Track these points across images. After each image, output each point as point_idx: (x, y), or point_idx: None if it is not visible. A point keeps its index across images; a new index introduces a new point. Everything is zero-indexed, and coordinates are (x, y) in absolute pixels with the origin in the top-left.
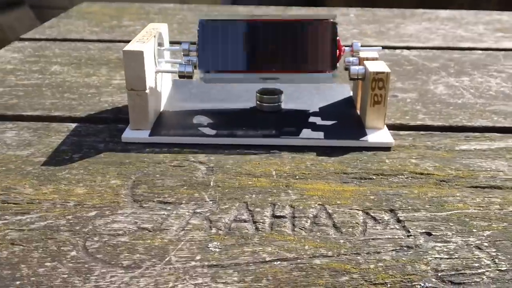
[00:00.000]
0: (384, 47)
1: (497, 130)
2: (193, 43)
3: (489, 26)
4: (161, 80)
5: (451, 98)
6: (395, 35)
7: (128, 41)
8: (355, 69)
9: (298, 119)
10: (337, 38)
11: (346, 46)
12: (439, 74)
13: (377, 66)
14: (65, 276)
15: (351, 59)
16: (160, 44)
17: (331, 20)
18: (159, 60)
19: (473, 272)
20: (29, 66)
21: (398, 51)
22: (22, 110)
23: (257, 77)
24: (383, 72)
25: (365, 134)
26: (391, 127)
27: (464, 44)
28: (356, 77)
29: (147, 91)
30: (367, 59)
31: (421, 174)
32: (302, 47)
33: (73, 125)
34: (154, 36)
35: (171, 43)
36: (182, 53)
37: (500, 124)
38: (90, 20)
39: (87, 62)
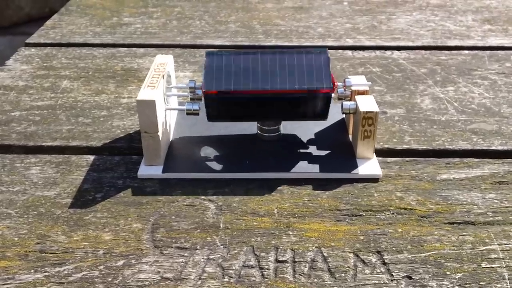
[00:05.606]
0: (376, 48)
1: (475, 153)
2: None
3: (478, 15)
4: (170, 113)
5: (436, 114)
6: (387, 31)
7: (130, 46)
8: (347, 104)
9: (295, 150)
10: (331, 74)
11: (339, 82)
12: (426, 83)
13: (367, 104)
14: None
15: (344, 91)
16: (168, 82)
17: (327, 90)
18: (167, 93)
19: None
20: (40, 82)
21: (388, 52)
22: (42, 140)
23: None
24: (372, 112)
25: (356, 166)
26: (379, 152)
27: (452, 41)
28: (348, 111)
29: (159, 133)
30: (358, 91)
31: (405, 209)
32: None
33: (91, 157)
34: (163, 77)
35: (172, 46)
36: (188, 90)
37: (479, 146)
38: (91, 17)
39: (95, 75)
